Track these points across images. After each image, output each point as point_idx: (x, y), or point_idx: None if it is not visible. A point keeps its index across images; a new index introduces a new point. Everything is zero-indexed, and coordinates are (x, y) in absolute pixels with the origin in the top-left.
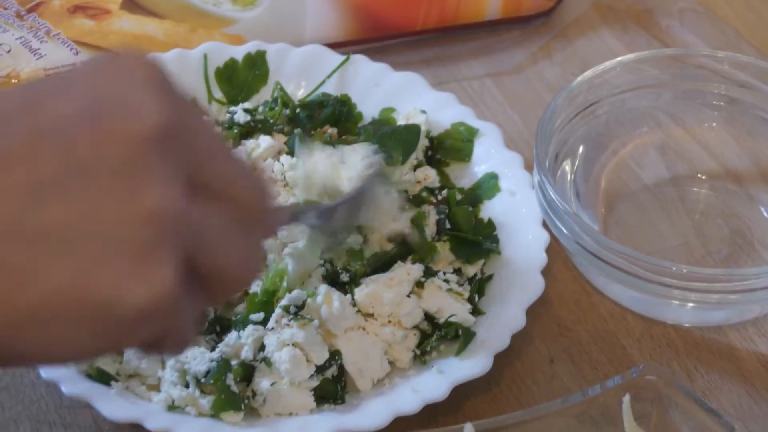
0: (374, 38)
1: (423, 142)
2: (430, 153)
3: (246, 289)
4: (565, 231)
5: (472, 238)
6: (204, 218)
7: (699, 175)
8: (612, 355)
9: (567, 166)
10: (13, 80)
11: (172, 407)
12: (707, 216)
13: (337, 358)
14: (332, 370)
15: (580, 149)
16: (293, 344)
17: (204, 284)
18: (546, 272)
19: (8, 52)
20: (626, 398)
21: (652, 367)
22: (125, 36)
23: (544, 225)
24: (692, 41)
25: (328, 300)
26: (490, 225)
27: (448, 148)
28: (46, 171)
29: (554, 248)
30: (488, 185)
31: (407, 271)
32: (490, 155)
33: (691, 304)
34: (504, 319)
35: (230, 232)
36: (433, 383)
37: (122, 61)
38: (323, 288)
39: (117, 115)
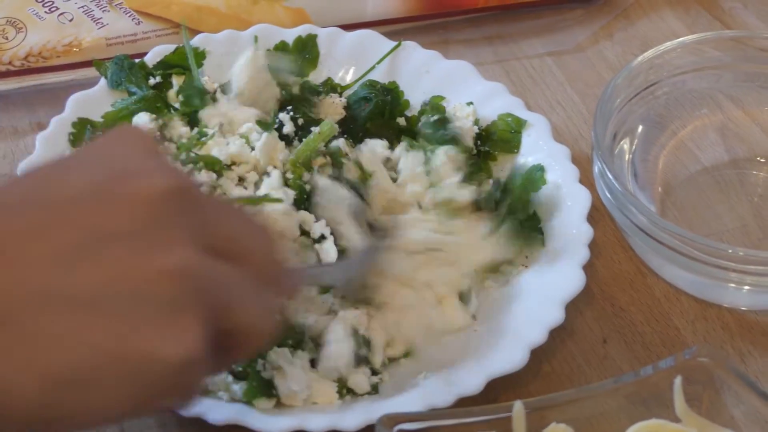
0: (436, 14)
1: (472, 131)
2: (479, 143)
3: None
4: (621, 210)
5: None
6: (222, 275)
7: (758, 158)
8: (665, 337)
9: (625, 146)
10: (75, 49)
11: (204, 391)
12: (766, 199)
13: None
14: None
15: (639, 129)
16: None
17: (229, 341)
18: (600, 252)
19: (71, 21)
20: (677, 380)
21: (705, 349)
22: (187, 7)
23: (589, 220)
24: (754, 24)
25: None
26: (536, 217)
27: (496, 139)
28: (72, 238)
29: (610, 228)
30: (534, 177)
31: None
32: (537, 147)
33: (747, 288)
34: (542, 314)
35: (247, 289)
36: (468, 376)
37: (125, 135)
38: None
39: (133, 181)
